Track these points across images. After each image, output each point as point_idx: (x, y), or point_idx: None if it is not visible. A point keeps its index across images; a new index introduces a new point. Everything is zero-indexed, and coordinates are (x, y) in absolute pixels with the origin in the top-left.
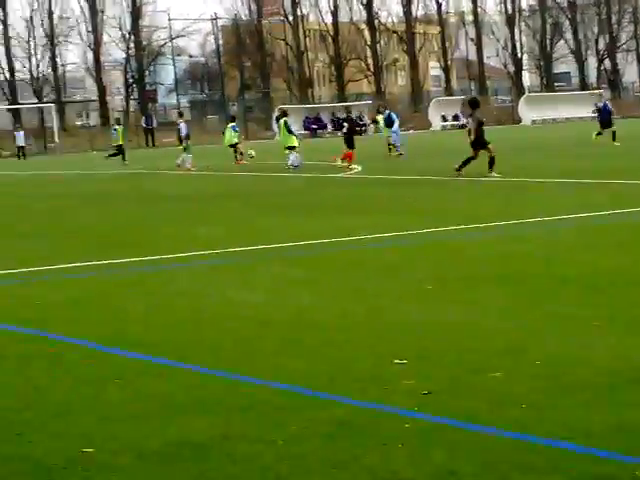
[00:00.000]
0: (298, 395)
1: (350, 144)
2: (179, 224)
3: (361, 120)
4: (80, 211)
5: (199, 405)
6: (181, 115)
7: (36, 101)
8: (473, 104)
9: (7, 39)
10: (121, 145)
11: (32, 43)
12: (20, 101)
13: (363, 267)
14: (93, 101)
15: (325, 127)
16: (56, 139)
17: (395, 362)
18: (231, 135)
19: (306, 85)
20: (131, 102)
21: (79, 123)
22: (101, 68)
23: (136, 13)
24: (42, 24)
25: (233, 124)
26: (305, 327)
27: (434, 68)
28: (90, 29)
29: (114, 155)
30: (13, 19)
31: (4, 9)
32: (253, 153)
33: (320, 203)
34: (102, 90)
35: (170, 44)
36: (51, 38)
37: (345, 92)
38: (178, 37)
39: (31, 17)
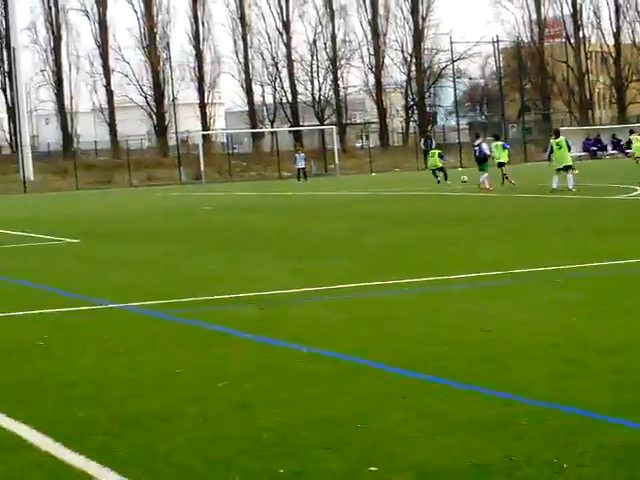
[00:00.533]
0: (582, 418)
1: None
2: (457, 245)
3: None
4: (357, 232)
5: (481, 426)
6: (477, 136)
7: (317, 123)
8: None
9: (290, 62)
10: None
11: (315, 66)
12: (302, 123)
13: None
14: (373, 123)
15: (605, 149)
16: (336, 160)
17: None
18: (501, 153)
19: (586, 107)
20: (410, 124)
21: (358, 145)
22: (382, 90)
23: (418, 36)
24: (325, 47)
25: (502, 142)
26: (587, 349)
27: None
28: (372, 52)
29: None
30: (296, 42)
31: (288, 32)
32: (466, 178)
33: (599, 225)
34: (382, 112)
35: (451, 66)
36: (334, 61)
37: (626, 114)
38: (459, 59)
39: (314, 40)
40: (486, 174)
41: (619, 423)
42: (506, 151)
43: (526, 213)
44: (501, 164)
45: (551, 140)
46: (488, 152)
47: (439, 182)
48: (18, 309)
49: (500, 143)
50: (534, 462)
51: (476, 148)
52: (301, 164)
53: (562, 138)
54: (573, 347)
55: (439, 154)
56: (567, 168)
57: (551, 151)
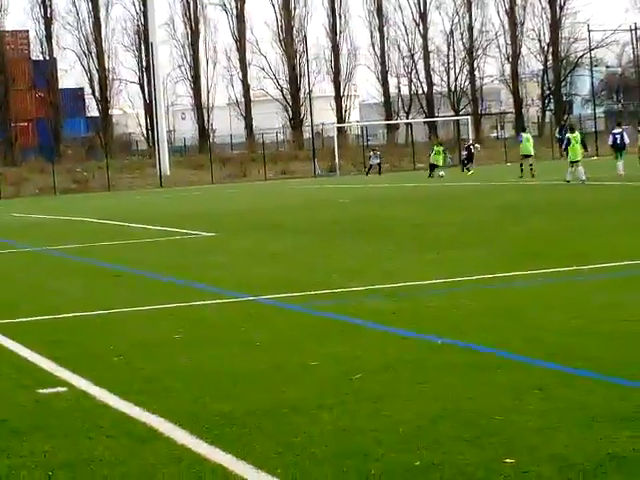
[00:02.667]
0: None
1: None
2: (598, 235)
3: None
4: (495, 222)
5: (620, 417)
6: (619, 125)
7: (452, 114)
8: None
9: (427, 53)
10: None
11: (451, 56)
12: (437, 114)
13: None
14: (509, 113)
15: None
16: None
17: None
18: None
19: None
20: (546, 113)
21: (493, 135)
22: (518, 80)
23: (555, 25)
24: (462, 37)
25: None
26: None
27: None
28: (509, 41)
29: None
30: (433, 33)
31: (425, 23)
32: (442, 173)
33: None
34: (518, 102)
35: (588, 55)
36: (470, 51)
37: None
38: (596, 48)
39: (451, 31)
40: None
41: None
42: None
43: None
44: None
45: (568, 134)
46: (628, 140)
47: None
48: (156, 302)
49: (573, 135)
50: None
51: (617, 136)
52: (375, 161)
53: (577, 133)
54: None
55: (443, 150)
56: (576, 162)
57: (568, 143)
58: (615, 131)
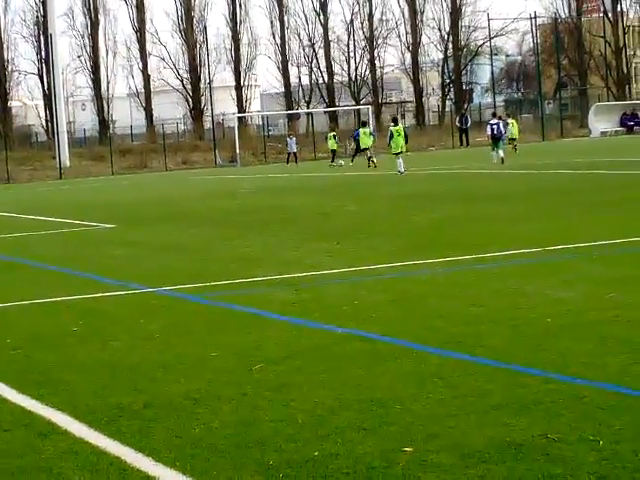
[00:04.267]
0: (620, 394)
1: None
2: (498, 222)
3: None
4: (397, 211)
5: (518, 404)
6: (495, 115)
7: (353, 103)
8: None
9: (327, 43)
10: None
11: (351, 46)
12: (337, 104)
13: None
14: (409, 102)
15: None
16: None
17: None
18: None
19: (623, 81)
20: (446, 102)
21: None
22: (418, 69)
23: (456, 14)
24: (362, 27)
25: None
26: (626, 325)
27: None
28: (409, 31)
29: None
30: (333, 23)
31: (325, 13)
32: (342, 162)
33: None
34: (418, 91)
35: (488, 44)
36: (370, 41)
37: None
38: (497, 36)
39: (351, 20)
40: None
41: None
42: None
43: (559, 190)
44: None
45: (391, 127)
46: (504, 131)
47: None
48: (54, 295)
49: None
50: (570, 440)
51: (494, 127)
52: (293, 148)
53: (400, 126)
54: (611, 323)
55: (333, 136)
56: (399, 154)
57: (391, 137)
58: (492, 122)
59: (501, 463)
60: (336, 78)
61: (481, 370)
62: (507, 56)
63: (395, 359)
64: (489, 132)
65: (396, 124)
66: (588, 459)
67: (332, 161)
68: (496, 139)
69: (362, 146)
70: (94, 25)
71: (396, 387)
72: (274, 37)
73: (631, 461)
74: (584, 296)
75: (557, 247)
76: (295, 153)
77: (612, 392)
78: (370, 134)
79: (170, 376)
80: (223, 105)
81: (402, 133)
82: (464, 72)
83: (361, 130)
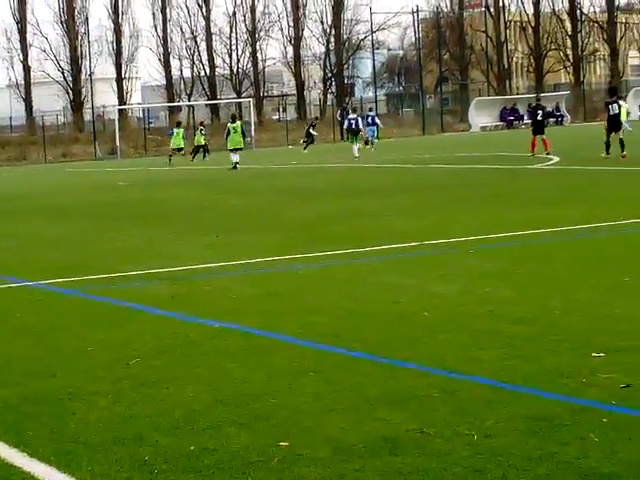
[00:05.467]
0: (495, 389)
1: (538, 130)
2: (375, 217)
3: (558, 110)
4: (276, 205)
5: (394, 399)
6: (354, 110)
7: (235, 96)
8: (613, 91)
9: (209, 35)
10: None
11: (233, 39)
12: (219, 97)
13: (559, 259)
14: (290, 95)
15: (522, 118)
16: (252, 133)
17: (593, 355)
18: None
19: (504, 76)
20: (328, 96)
21: (275, 117)
22: (300, 62)
23: (338, 7)
24: (244, 20)
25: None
26: (501, 320)
27: (634, 57)
28: (291, 24)
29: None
30: (215, 15)
31: (207, 5)
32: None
33: (514, 195)
34: (300, 84)
35: (370, 38)
36: (252, 33)
37: (543, 82)
38: (379, 30)
39: (234, 13)
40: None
41: (532, 394)
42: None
43: (437, 184)
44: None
45: (229, 124)
46: (361, 126)
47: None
48: None
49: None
50: (445, 434)
51: (352, 121)
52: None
53: (239, 123)
54: (486, 318)
55: (201, 130)
56: (236, 150)
57: (228, 133)
58: (350, 116)
59: (377, 457)
60: (218, 71)
61: (358, 365)
62: (389, 50)
63: (271, 353)
64: (346, 126)
65: (234, 121)
66: (462, 453)
67: (193, 157)
68: (354, 133)
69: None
70: None
71: (272, 381)
72: (156, 29)
73: (504, 455)
74: (461, 291)
75: (434, 242)
76: (205, 146)
77: (486, 386)
78: (241, 130)
79: (46, 370)
80: (104, 97)
81: (239, 130)
82: (346, 66)
83: (230, 125)
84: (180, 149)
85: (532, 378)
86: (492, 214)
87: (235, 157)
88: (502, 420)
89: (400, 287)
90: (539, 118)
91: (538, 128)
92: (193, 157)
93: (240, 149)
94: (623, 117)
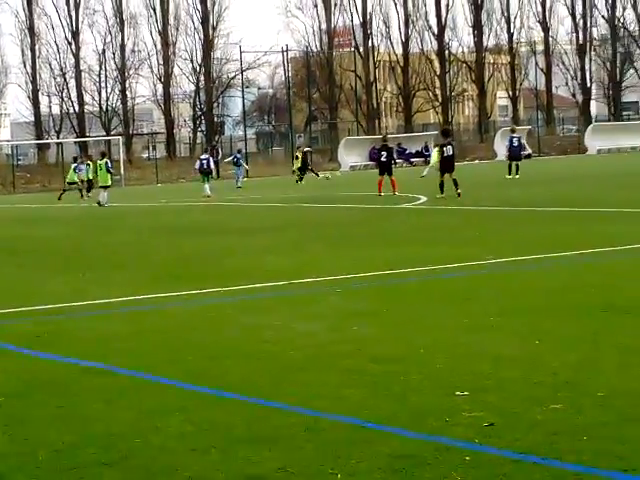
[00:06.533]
0: (359, 427)
1: (384, 171)
2: (244, 255)
3: (427, 150)
4: (145, 243)
5: (259, 438)
6: (206, 151)
7: (104, 134)
8: (446, 133)
9: (79, 72)
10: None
11: (103, 76)
12: (88, 134)
13: (425, 298)
14: (160, 133)
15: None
16: (122, 171)
17: (457, 394)
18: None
19: (373, 115)
20: (198, 134)
21: (145, 155)
22: (170, 100)
23: (208, 45)
24: (114, 57)
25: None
26: (367, 359)
27: (502, 98)
28: (161, 62)
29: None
30: (85, 52)
31: (77, 42)
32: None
33: (382, 234)
34: (170, 123)
35: (240, 76)
36: (122, 71)
37: (412, 122)
38: (248, 69)
39: (103, 50)
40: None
41: (396, 433)
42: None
43: (310, 223)
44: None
45: (99, 161)
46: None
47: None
48: None
49: (103, 162)
50: (309, 473)
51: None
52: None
53: (104, 161)
54: (352, 357)
55: (74, 168)
56: (105, 187)
57: (95, 170)
58: (202, 156)
59: None
60: (87, 108)
61: (224, 404)
62: (259, 89)
63: (138, 392)
64: (197, 166)
65: (103, 158)
66: None
67: (88, 191)
68: (205, 173)
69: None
70: None
71: (138, 421)
72: (25, 66)
73: None
74: (327, 329)
75: (303, 280)
76: (90, 180)
77: (351, 425)
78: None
79: None
80: None
81: (104, 168)
82: (216, 104)
83: (99, 162)
84: (73, 183)
85: (396, 417)
86: (360, 253)
87: (101, 195)
88: (366, 459)
89: (267, 326)
90: (383, 159)
91: (383, 169)
92: (87, 191)
93: (107, 186)
94: (434, 159)
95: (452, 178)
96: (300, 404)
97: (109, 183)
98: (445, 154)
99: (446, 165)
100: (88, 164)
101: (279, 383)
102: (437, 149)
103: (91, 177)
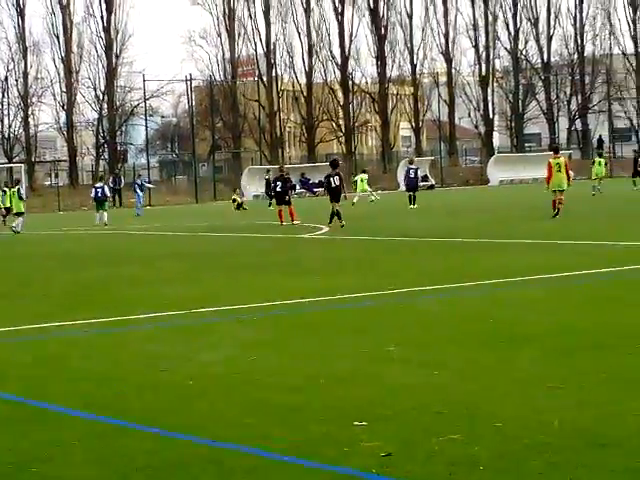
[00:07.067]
0: (259, 457)
1: (281, 201)
2: (143, 284)
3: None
4: (46, 271)
5: (158, 467)
6: (101, 179)
7: (6, 161)
8: (334, 165)
9: None
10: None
11: (5, 103)
12: None
13: (325, 328)
14: (63, 161)
15: (294, 188)
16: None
17: (355, 424)
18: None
19: (277, 145)
20: (101, 162)
21: (47, 183)
22: (73, 128)
23: (111, 74)
24: (17, 84)
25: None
26: (266, 389)
27: (405, 129)
28: (64, 89)
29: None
30: None
31: None
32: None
33: (283, 263)
34: (72, 150)
35: (143, 104)
36: (25, 98)
37: (315, 152)
38: (152, 97)
39: (6, 77)
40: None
41: (295, 462)
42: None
43: (211, 252)
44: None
45: (12, 189)
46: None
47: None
48: None
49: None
50: None
51: (98, 190)
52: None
53: (17, 188)
54: (252, 386)
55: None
56: (18, 214)
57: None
58: (97, 185)
59: None
60: None
61: (123, 434)
62: (163, 117)
63: (36, 422)
64: (93, 195)
65: (16, 185)
66: None
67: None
68: (100, 202)
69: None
70: None
71: (36, 451)
72: None
73: None
74: (227, 359)
75: (203, 310)
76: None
77: (251, 455)
78: (18, 195)
79: None
80: None
81: (16, 195)
82: (119, 132)
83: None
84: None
85: (296, 447)
86: (260, 282)
87: (16, 221)
88: None
89: (166, 355)
90: (278, 189)
91: (279, 199)
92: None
93: (20, 213)
94: (363, 188)
95: (335, 209)
96: (199, 434)
97: (22, 210)
98: (332, 184)
99: (332, 195)
100: (4, 191)
101: (178, 413)
102: (360, 177)
103: (8, 205)
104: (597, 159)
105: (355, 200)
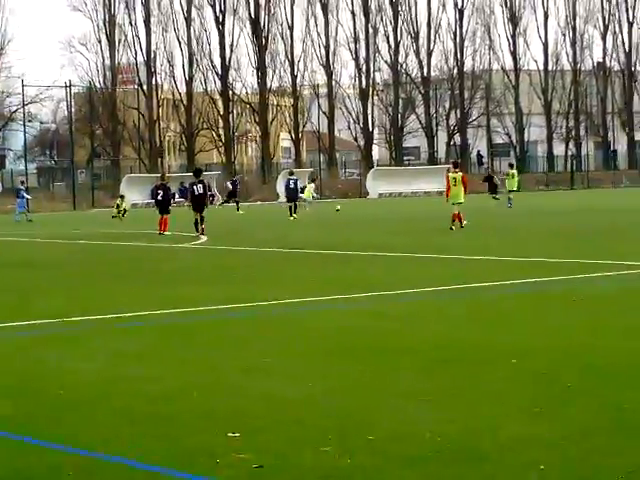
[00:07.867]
0: (129, 468)
1: (163, 210)
2: (16, 292)
3: (210, 190)
4: None
5: (25, 477)
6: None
7: None
8: (197, 173)
9: None
10: None
11: None
12: None
13: (203, 339)
14: None
15: (173, 197)
16: None
17: (229, 435)
18: None
19: (157, 154)
20: None
21: None
22: None
23: None
24: None
25: None
26: (139, 398)
27: (285, 139)
28: None
29: None
30: None
31: None
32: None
33: (163, 272)
34: None
35: (22, 110)
36: None
37: (195, 162)
38: (31, 103)
39: None
40: None
41: (168, 474)
42: None
43: (88, 260)
44: None
45: None
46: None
47: None
48: None
49: None
50: None
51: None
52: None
53: None
54: (124, 397)
55: None
56: None
57: None
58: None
59: None
60: None
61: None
62: (41, 123)
63: None
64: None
65: None
66: None
67: None
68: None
69: None
70: None
71: None
72: None
73: None
74: (99, 369)
75: (77, 318)
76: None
77: (123, 465)
78: None
79: None
80: None
81: None
82: None
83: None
84: None
85: (168, 458)
86: (139, 291)
87: None
88: None
89: (37, 363)
90: (159, 198)
91: (162, 208)
92: None
93: None
94: (307, 195)
95: (199, 216)
96: (69, 443)
97: None
98: (195, 193)
99: (195, 204)
100: None
101: (48, 422)
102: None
103: None
104: (511, 171)
105: (307, 209)
